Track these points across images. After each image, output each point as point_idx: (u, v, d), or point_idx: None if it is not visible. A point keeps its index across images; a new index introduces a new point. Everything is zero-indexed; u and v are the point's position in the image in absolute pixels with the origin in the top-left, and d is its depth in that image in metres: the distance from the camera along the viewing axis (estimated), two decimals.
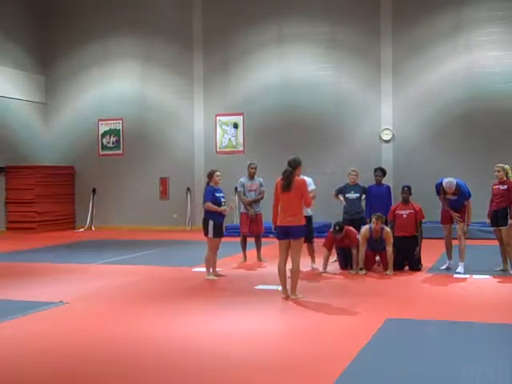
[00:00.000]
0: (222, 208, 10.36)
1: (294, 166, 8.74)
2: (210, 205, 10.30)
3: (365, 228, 10.85)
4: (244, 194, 12.29)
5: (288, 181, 8.59)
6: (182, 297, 9.05)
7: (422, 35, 17.88)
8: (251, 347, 6.39)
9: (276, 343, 6.57)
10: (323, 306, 8.21)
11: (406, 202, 11.06)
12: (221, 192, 10.58)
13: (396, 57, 18.14)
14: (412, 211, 10.94)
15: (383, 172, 12.22)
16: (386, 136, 18.18)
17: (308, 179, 10.60)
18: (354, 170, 12.10)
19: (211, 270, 10.55)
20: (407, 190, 11.11)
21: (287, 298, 8.65)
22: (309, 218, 10.76)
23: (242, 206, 12.48)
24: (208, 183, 10.57)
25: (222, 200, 10.48)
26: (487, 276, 10.31)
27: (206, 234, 10.43)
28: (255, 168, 12.36)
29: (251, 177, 12.34)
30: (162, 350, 6.33)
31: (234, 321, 7.52)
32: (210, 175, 10.57)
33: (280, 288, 8.85)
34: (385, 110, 18.26)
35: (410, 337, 6.72)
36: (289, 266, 8.74)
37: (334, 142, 18.62)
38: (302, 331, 7.07)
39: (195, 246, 14.21)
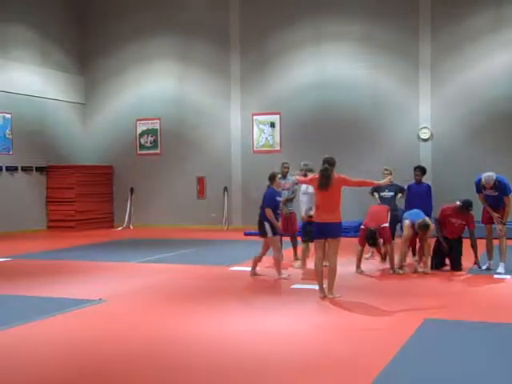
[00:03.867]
0: (278, 224, 10.36)
1: (332, 163, 8.71)
2: (270, 213, 10.09)
3: (407, 225, 10.67)
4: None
5: (326, 180, 8.56)
6: (219, 296, 9.07)
7: (462, 33, 17.66)
8: (287, 347, 6.37)
9: (313, 343, 6.55)
10: (360, 306, 8.16)
11: (463, 212, 10.58)
12: (280, 196, 10.68)
13: (435, 55, 17.94)
14: (464, 223, 10.66)
15: (423, 170, 12.10)
16: (425, 135, 18.02)
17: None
18: (386, 169, 12.05)
19: (254, 267, 10.53)
20: (466, 207, 10.54)
21: (324, 297, 8.62)
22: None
23: None
24: (269, 186, 10.41)
25: (279, 200, 10.55)
26: None
27: (265, 234, 10.24)
28: (288, 167, 12.47)
29: (284, 176, 12.31)
30: (197, 349, 6.36)
31: (270, 320, 7.51)
32: (272, 178, 10.39)
33: (317, 287, 8.83)
34: (423, 109, 18.09)
35: (448, 338, 6.63)
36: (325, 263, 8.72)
37: (371, 141, 18.50)
38: (339, 331, 7.04)
39: (232, 246, 14.24)
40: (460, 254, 10.79)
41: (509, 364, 5.68)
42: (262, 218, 10.23)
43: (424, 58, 18.04)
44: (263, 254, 10.55)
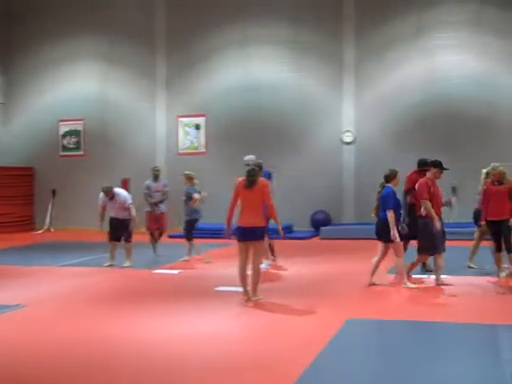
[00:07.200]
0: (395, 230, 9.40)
1: (260, 166, 8.86)
2: (392, 214, 9.33)
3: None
4: (150, 196, 13.31)
5: (253, 178, 8.57)
6: (142, 299, 8.98)
7: (384, 37, 18.05)
8: (210, 348, 6.36)
9: (236, 345, 6.55)
10: (283, 307, 8.20)
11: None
12: None
13: (358, 58, 18.28)
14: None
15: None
16: (348, 138, 18.29)
17: (124, 193, 11.80)
18: (185, 174, 12.64)
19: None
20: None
21: (248, 299, 8.63)
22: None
23: (148, 206, 13.39)
24: (385, 185, 9.64)
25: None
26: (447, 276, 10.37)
27: (390, 239, 9.43)
28: (158, 171, 13.66)
29: (156, 179, 13.43)
30: (119, 351, 6.29)
31: (194, 322, 7.48)
32: (392, 177, 9.61)
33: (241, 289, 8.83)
34: (346, 112, 18.38)
35: (369, 337, 6.76)
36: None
37: (296, 144, 18.67)
38: (262, 332, 7.07)
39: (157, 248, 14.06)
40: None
41: (426, 361, 5.81)
42: (387, 221, 9.35)
43: (348, 60, 18.34)
44: (383, 259, 9.77)
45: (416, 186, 9.69)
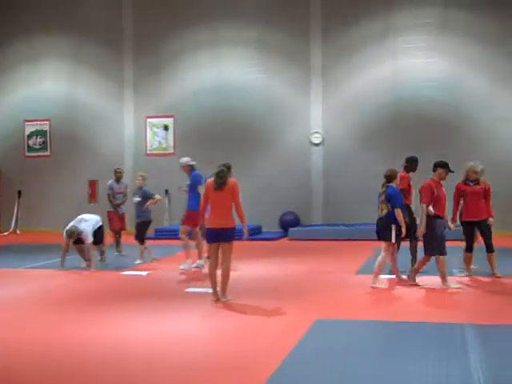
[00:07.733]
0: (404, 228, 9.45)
1: (229, 167, 8.85)
2: (400, 212, 9.38)
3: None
4: (113, 196, 13.69)
5: (222, 179, 8.56)
6: (112, 301, 8.90)
7: (352, 38, 18.16)
8: (180, 349, 6.33)
9: (206, 345, 6.52)
10: (252, 308, 8.19)
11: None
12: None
13: (325, 59, 18.35)
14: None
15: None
16: (316, 139, 18.34)
17: (87, 230, 11.53)
18: (141, 175, 12.66)
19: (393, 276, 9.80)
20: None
21: (217, 300, 8.61)
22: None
23: (111, 206, 13.74)
24: (388, 185, 9.58)
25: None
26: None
27: (388, 238, 9.46)
28: (121, 172, 13.95)
29: (118, 180, 13.77)
30: (89, 353, 6.23)
31: (165, 324, 7.44)
32: (394, 177, 9.64)
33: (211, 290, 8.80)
34: (314, 113, 18.44)
35: (339, 337, 6.77)
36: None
37: (265, 145, 18.69)
38: (232, 333, 7.05)
39: (125, 250, 13.95)
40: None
41: (394, 361, 5.84)
42: (392, 220, 9.40)
43: (315, 61, 18.41)
44: (393, 258, 9.83)
45: (419, 188, 9.64)
